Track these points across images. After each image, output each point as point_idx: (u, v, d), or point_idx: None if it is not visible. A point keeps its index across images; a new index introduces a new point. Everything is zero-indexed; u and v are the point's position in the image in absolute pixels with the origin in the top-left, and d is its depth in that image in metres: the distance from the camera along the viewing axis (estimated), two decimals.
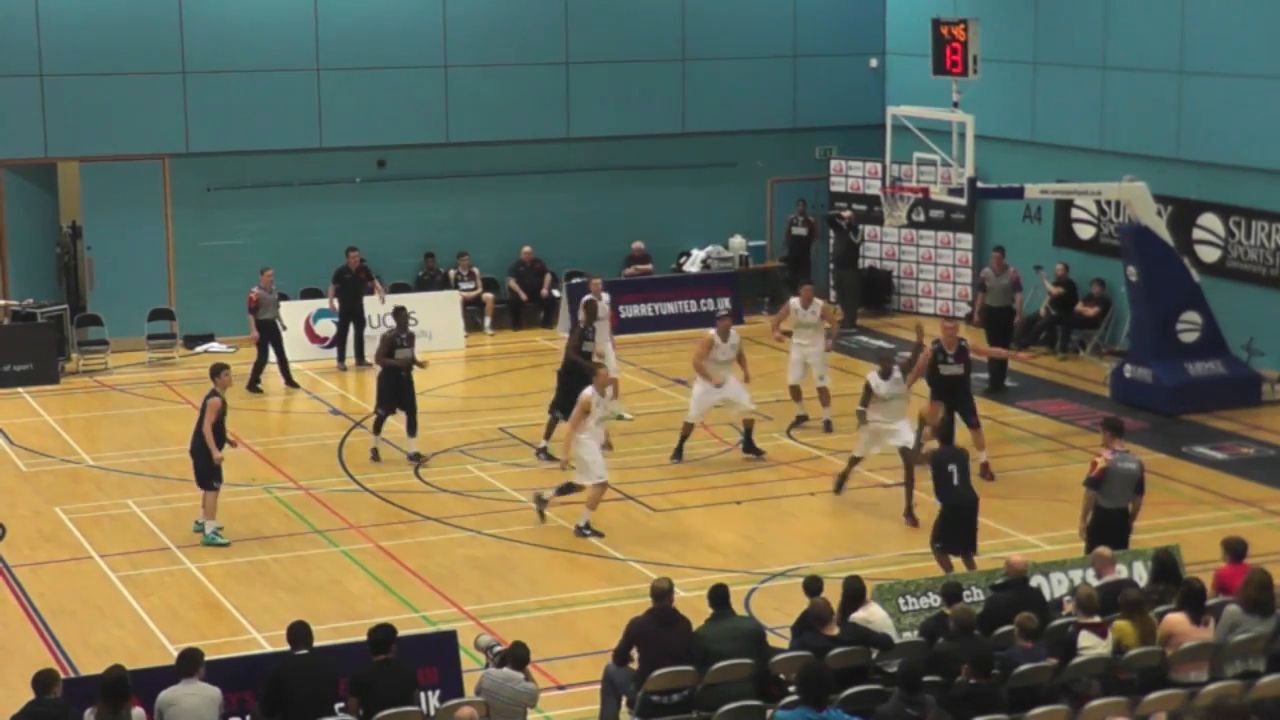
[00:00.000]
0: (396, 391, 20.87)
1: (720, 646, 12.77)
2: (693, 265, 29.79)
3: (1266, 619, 12.94)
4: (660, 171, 29.87)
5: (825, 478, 19.99)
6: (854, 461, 19.43)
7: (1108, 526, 15.75)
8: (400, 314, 21.54)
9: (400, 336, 21.10)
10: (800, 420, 22.27)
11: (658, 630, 12.87)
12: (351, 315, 26.00)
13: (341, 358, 26.09)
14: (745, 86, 30.17)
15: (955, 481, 16.27)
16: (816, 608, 13.06)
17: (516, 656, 12.45)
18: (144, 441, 22.18)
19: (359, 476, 20.48)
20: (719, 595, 13.12)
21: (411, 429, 20.93)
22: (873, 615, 13.39)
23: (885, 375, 18.97)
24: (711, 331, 20.81)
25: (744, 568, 17.00)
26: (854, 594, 13.44)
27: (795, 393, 22.27)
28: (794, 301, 22.24)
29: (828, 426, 22.13)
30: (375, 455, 21.01)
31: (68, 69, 26.44)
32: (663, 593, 13.01)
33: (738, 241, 30.08)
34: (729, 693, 12.42)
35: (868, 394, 18.95)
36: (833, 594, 13.46)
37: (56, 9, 26.34)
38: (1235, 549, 14.20)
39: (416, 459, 20.87)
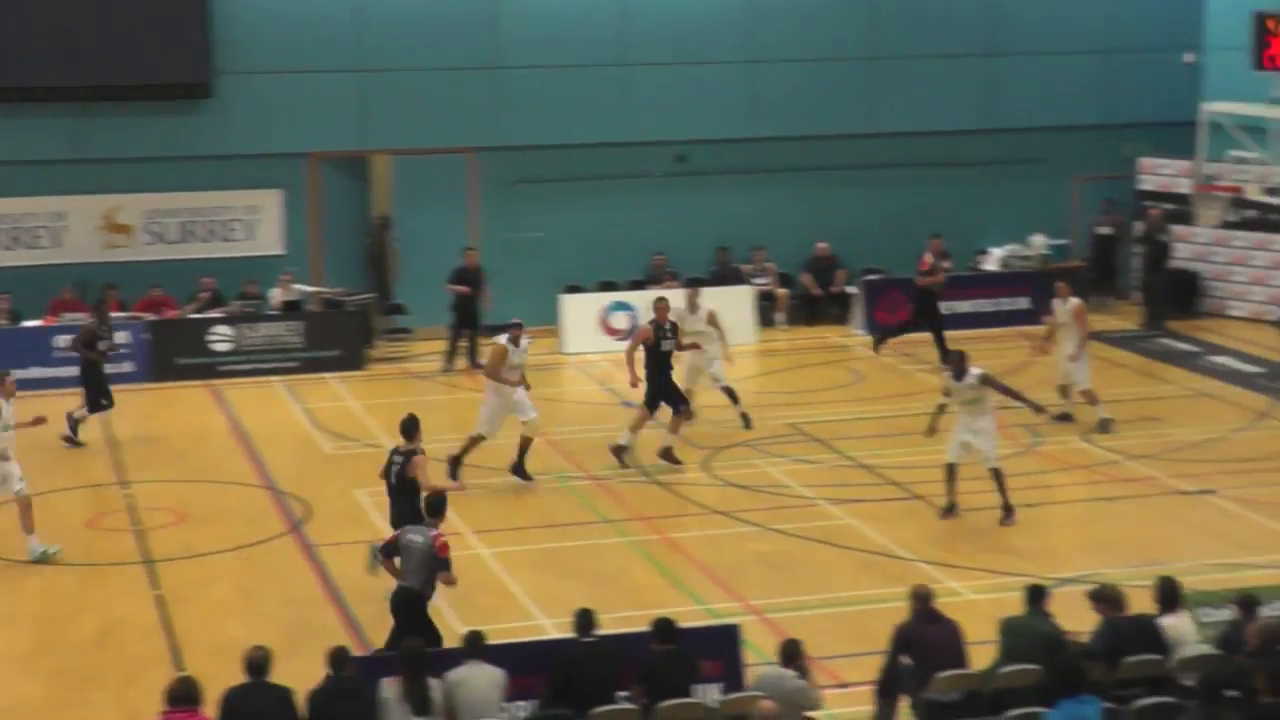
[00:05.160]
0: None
1: (1010, 640, 12.71)
2: (991, 263, 29.27)
3: None
4: (961, 168, 29.42)
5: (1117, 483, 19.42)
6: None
7: None
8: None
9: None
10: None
11: (924, 628, 12.87)
12: (467, 316, 25.81)
13: (453, 357, 25.85)
14: (1054, 81, 29.53)
15: None
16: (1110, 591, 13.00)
17: (786, 653, 12.44)
18: (444, 428, 22.65)
19: (648, 469, 20.64)
20: (1032, 592, 13.06)
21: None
22: (1180, 625, 12.98)
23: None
24: (503, 339, 19.95)
25: (1034, 571, 16.61)
26: (1167, 595, 13.13)
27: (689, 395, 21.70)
28: (681, 307, 21.79)
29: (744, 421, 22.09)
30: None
31: (385, 64, 27.26)
32: (924, 597, 13.06)
33: (1038, 240, 29.44)
34: (1015, 698, 12.18)
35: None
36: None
37: (376, 6, 27.19)
38: None
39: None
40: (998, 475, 18.30)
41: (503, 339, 19.96)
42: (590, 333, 26.96)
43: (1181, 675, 12.54)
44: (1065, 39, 29.55)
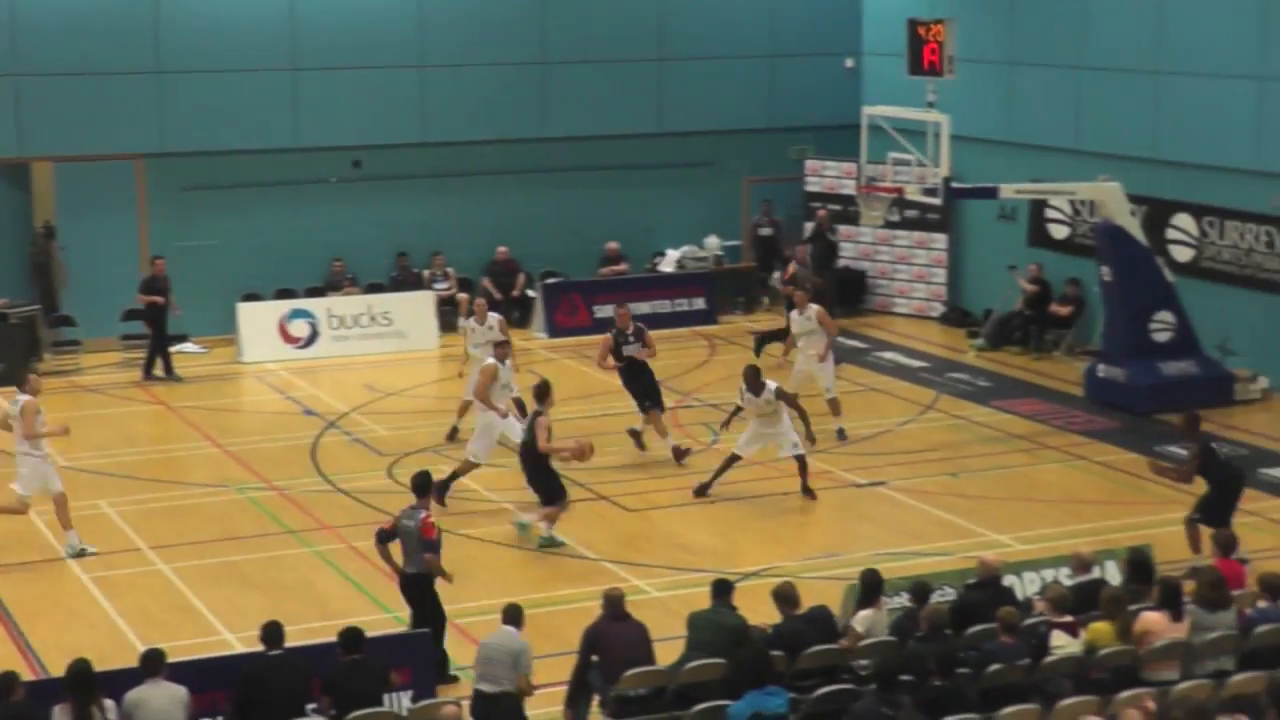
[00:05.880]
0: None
1: (696, 634, 13.01)
2: (667, 265, 29.78)
3: (1221, 613, 13.09)
4: (636, 171, 29.84)
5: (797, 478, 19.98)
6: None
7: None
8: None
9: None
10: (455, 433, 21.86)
11: (611, 627, 13.07)
12: (159, 326, 25.31)
13: (167, 366, 25.29)
14: (722, 86, 30.17)
15: None
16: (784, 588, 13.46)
17: (509, 615, 12.91)
18: (116, 442, 22.10)
19: (332, 477, 20.43)
20: (717, 586, 13.37)
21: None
22: (877, 617, 13.43)
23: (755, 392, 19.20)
24: (491, 360, 19.64)
25: (717, 567, 16.95)
26: (868, 588, 13.54)
27: (466, 406, 21.59)
28: (469, 322, 22.01)
29: (451, 435, 21.86)
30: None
31: (42, 68, 26.32)
32: (615, 600, 13.23)
33: (712, 241, 30.06)
34: (701, 692, 12.43)
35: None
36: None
37: (31, 8, 26.22)
38: (1224, 543, 14.82)
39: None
40: (801, 461, 19.19)
41: (490, 359, 19.56)
42: (269, 341, 26.53)
43: (858, 663, 12.98)
44: (732, 44, 30.19)
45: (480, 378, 19.38)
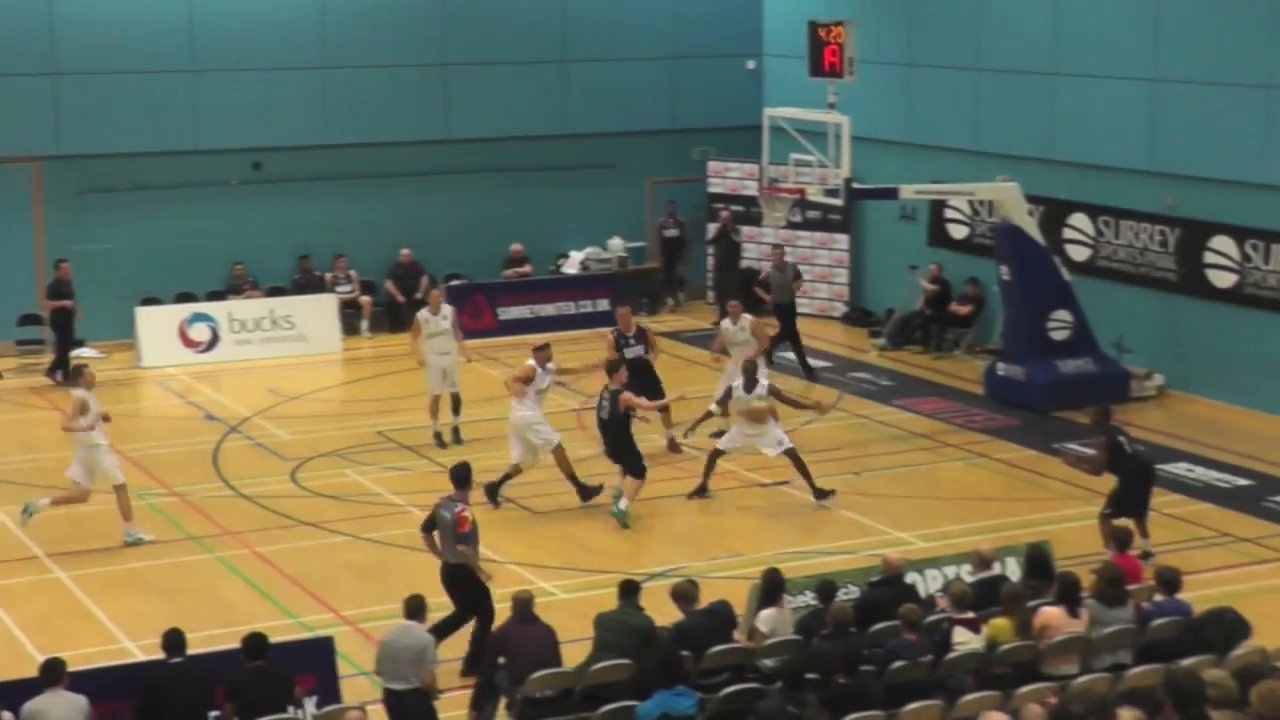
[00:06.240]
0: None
1: (603, 634, 13.03)
2: (571, 267, 29.79)
3: (1119, 609, 13.28)
4: (539, 173, 29.82)
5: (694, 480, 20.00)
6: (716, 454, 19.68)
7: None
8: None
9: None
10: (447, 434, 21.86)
11: (517, 629, 13.10)
12: (66, 330, 25.17)
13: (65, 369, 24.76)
14: (624, 88, 30.22)
15: None
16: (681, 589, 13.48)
17: (411, 607, 12.87)
18: (13, 449, 21.82)
19: (234, 482, 20.28)
20: (624, 587, 13.41)
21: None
22: (780, 616, 13.47)
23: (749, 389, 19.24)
24: (531, 362, 19.61)
25: (623, 568, 17.00)
26: (769, 588, 13.57)
27: (436, 402, 21.70)
28: (423, 313, 21.87)
29: (454, 435, 21.84)
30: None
31: None
32: (524, 602, 13.23)
33: (616, 243, 30.11)
34: (609, 692, 12.46)
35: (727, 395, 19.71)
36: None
37: None
38: (1121, 539, 15.06)
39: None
40: (794, 457, 19.17)
41: (531, 361, 19.42)
42: (169, 345, 26.29)
43: (763, 662, 13.06)
44: (634, 46, 30.26)
45: (516, 373, 19.43)
